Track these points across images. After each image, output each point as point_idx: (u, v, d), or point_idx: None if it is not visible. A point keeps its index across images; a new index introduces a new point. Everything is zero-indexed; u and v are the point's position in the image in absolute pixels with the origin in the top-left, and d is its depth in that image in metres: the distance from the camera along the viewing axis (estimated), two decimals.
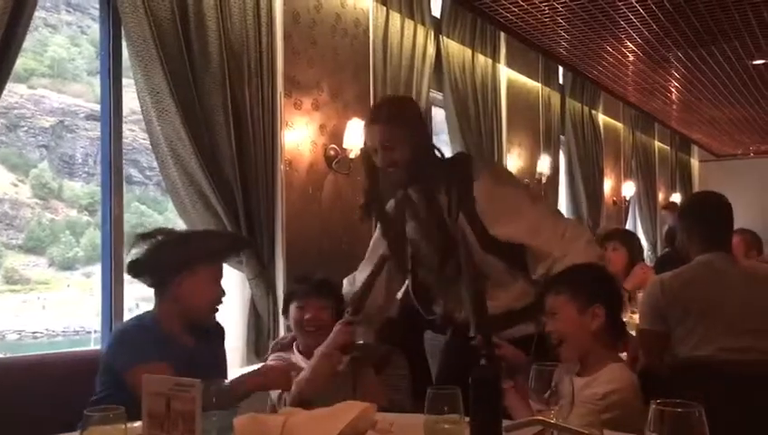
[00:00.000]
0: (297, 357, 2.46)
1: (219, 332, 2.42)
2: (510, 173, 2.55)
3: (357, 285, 2.47)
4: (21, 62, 4.97)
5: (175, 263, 2.18)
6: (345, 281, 2.61)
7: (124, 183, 3.14)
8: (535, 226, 2.29)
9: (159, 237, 2.22)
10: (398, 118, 2.34)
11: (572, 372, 1.54)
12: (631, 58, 6.60)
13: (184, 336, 2.22)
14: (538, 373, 1.60)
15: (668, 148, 11.00)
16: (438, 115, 5.47)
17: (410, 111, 2.47)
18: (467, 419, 1.57)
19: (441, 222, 2.34)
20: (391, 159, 2.30)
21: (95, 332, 3.38)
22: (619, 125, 8.95)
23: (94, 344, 3.16)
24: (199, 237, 2.46)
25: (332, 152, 3.92)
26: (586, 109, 7.64)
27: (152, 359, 2.02)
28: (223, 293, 2.29)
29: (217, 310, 2.30)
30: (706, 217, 2.73)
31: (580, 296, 1.99)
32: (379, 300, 2.48)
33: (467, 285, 2.17)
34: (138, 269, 2.19)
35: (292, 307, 2.48)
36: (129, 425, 1.44)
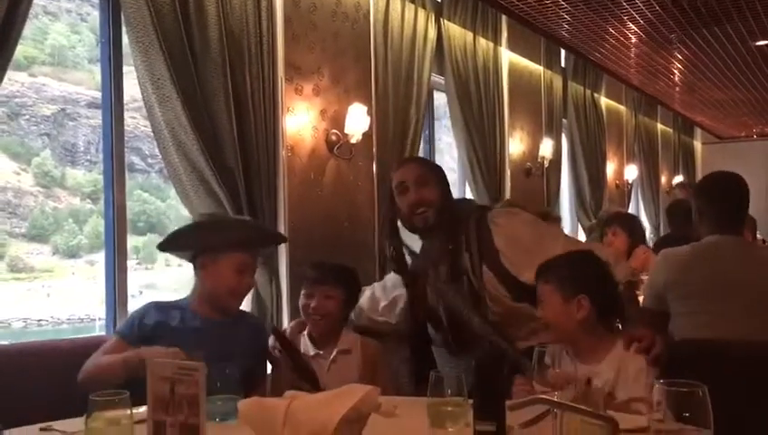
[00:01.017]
0: (305, 340, 2.48)
1: (258, 329, 2.44)
2: (521, 211, 2.57)
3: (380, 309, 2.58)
4: (21, 50, 4.95)
5: (200, 244, 2.33)
6: (368, 292, 2.62)
7: (126, 171, 3.15)
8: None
9: (199, 218, 2.47)
10: (431, 162, 2.65)
11: (571, 355, 1.54)
12: (634, 40, 6.56)
13: (210, 318, 2.30)
14: (539, 356, 1.61)
15: (671, 130, 10.95)
16: (439, 99, 5.46)
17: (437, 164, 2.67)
18: (471, 401, 1.58)
19: (465, 280, 2.36)
20: (423, 196, 2.36)
21: (100, 319, 3.40)
22: (622, 108, 8.91)
23: (99, 332, 3.17)
24: (231, 225, 2.50)
25: (334, 137, 3.91)
26: (588, 92, 7.61)
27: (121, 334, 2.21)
28: (245, 283, 2.34)
29: (238, 298, 2.37)
30: (718, 198, 2.71)
31: (565, 286, 2.00)
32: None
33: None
34: (167, 244, 2.36)
35: (301, 293, 2.49)
36: (135, 410, 1.46)
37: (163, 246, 2.37)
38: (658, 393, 1.14)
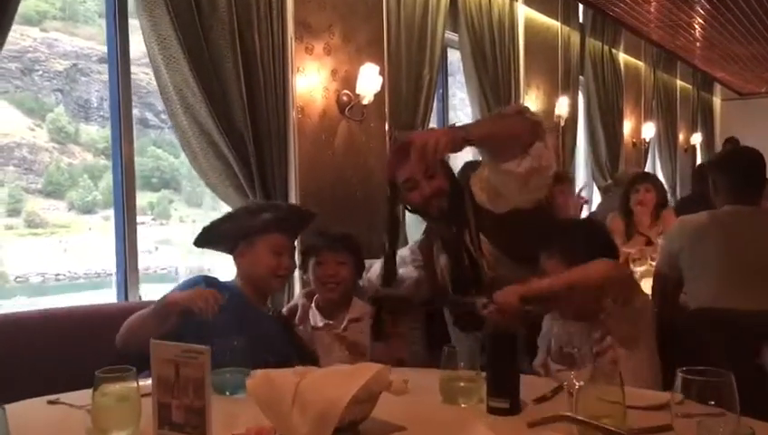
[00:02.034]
0: (314, 312, 2.48)
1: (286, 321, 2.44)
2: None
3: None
4: (33, 4, 4.89)
5: (234, 234, 2.34)
6: (376, 265, 2.60)
7: (140, 127, 3.13)
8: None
9: (233, 211, 2.47)
10: None
11: (592, 335, 1.52)
12: None
13: (258, 305, 2.33)
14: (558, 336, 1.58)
15: (690, 87, 10.75)
16: (453, 55, 5.36)
17: None
18: (483, 374, 1.57)
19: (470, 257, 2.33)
20: (436, 187, 2.30)
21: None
22: (641, 64, 8.74)
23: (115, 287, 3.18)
24: (263, 209, 2.50)
25: (345, 98, 3.85)
26: (606, 48, 7.45)
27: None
28: (285, 264, 2.35)
29: (280, 280, 2.38)
30: (732, 170, 2.73)
31: (571, 261, 1.96)
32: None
33: None
34: (203, 240, 2.37)
35: (311, 263, 2.47)
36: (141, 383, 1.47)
37: (199, 243, 2.38)
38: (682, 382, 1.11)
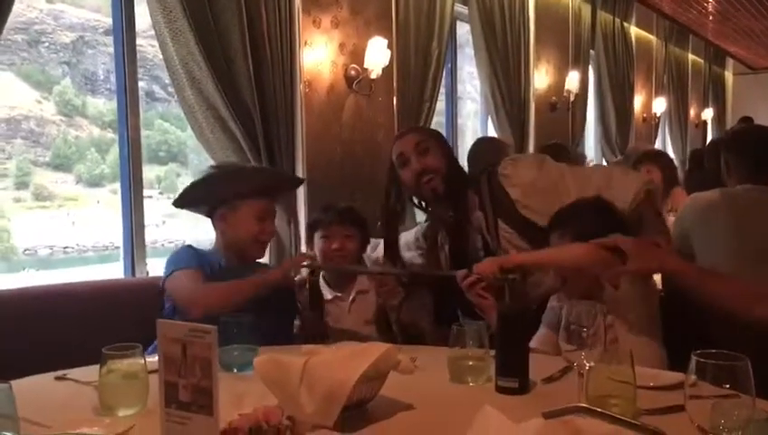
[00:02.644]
0: (322, 285, 2.47)
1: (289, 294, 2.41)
2: (521, 155, 2.52)
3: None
4: None
5: (217, 196, 2.31)
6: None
7: (147, 100, 3.10)
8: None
9: (211, 170, 2.40)
10: (428, 130, 2.62)
11: (603, 312, 1.50)
12: None
13: (239, 270, 2.28)
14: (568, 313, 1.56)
15: (702, 61, 10.62)
16: (462, 28, 5.30)
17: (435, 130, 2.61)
18: (492, 352, 1.56)
19: (480, 240, 2.31)
20: (426, 163, 2.29)
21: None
22: (652, 38, 8.63)
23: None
24: (246, 174, 2.48)
25: (353, 72, 3.81)
26: (618, 21, 7.35)
27: (191, 267, 2.16)
28: (266, 230, 2.33)
29: (261, 245, 2.35)
30: (744, 150, 2.70)
31: (582, 239, 1.93)
32: None
33: None
34: (183, 201, 2.33)
35: (317, 237, 2.47)
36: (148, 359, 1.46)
37: (178, 203, 2.34)
38: (697, 365, 1.10)
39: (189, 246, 2.34)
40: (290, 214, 3.31)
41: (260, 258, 2.39)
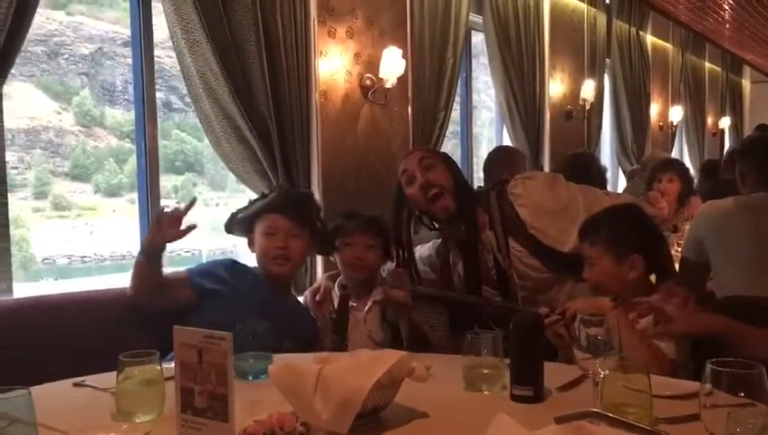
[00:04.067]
0: (336, 293, 2.47)
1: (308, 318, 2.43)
2: (534, 173, 2.52)
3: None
4: None
5: (244, 221, 2.42)
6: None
7: (164, 110, 3.13)
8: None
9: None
10: (433, 150, 2.76)
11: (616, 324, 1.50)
12: None
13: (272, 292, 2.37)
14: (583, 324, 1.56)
15: (719, 69, 10.55)
16: (476, 37, 5.31)
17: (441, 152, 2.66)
18: (507, 361, 1.56)
19: (491, 259, 2.31)
20: (429, 178, 2.29)
21: None
22: (668, 46, 8.59)
23: None
24: (263, 196, 2.53)
25: (368, 82, 3.83)
26: (633, 30, 7.33)
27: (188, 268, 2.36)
28: (275, 245, 2.34)
29: (274, 261, 2.35)
30: (759, 159, 2.69)
31: (616, 246, 1.93)
32: None
33: None
34: (228, 227, 2.46)
35: (339, 244, 2.44)
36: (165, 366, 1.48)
37: (226, 229, 2.47)
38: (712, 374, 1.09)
39: (231, 260, 2.47)
40: None
41: (281, 274, 2.38)
